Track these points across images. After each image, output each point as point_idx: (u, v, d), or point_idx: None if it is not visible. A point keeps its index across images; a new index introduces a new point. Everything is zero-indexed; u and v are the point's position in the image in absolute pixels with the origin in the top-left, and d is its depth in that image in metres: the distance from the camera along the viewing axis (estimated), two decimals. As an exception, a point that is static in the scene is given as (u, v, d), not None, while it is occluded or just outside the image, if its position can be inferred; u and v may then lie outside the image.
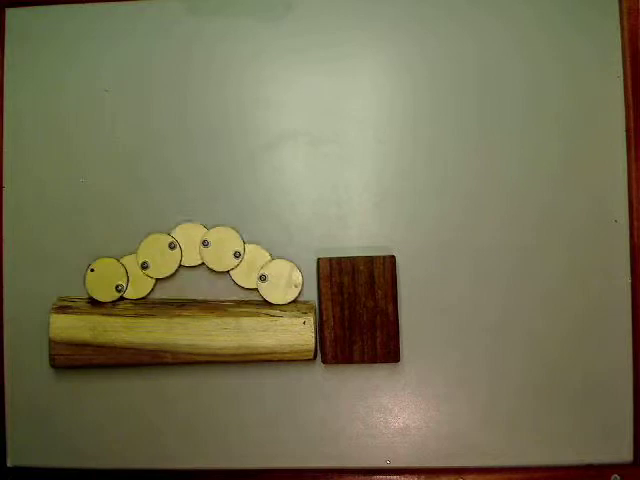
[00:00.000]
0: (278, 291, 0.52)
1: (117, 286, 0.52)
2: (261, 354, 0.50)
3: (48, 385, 0.53)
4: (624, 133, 0.53)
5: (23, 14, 0.55)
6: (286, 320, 0.51)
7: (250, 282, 0.52)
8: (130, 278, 0.52)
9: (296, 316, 0.51)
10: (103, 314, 0.51)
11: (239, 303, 0.52)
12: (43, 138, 0.54)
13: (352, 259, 0.52)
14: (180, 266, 0.52)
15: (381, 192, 0.53)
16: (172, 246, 0.52)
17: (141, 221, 0.53)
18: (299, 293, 0.52)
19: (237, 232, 0.52)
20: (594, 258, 0.52)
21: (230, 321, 0.51)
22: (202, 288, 0.53)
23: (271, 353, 0.50)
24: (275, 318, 0.51)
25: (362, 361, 0.51)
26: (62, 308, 0.51)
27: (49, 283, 0.53)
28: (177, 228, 0.53)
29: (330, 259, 0.52)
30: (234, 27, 0.54)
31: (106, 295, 0.52)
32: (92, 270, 0.52)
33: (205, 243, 0.52)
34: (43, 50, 0.54)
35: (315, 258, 0.53)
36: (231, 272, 0.52)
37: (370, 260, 0.52)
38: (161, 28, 0.54)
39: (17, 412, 0.54)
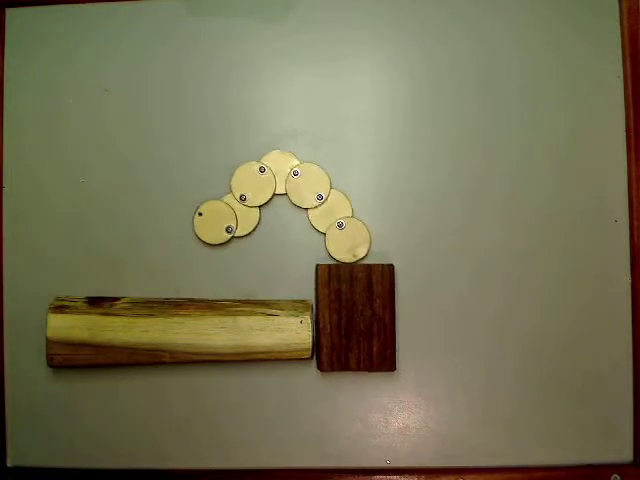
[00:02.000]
0: (344, 247, 0.52)
1: (228, 227, 0.52)
2: (259, 353, 0.50)
3: (46, 385, 0.53)
4: (624, 133, 0.53)
5: (23, 14, 0.55)
6: (283, 319, 0.51)
7: (324, 226, 0.52)
8: (237, 215, 0.52)
9: (293, 315, 0.51)
10: (101, 314, 0.51)
11: (236, 302, 0.52)
12: (43, 138, 0.54)
13: (351, 266, 0.52)
14: (274, 195, 0.53)
15: (381, 193, 0.53)
16: (262, 170, 0.52)
17: (141, 219, 0.53)
18: (362, 257, 0.52)
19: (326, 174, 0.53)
20: (594, 258, 0.52)
21: (227, 320, 0.51)
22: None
23: (268, 352, 0.50)
24: (272, 317, 0.51)
25: (358, 369, 0.51)
26: (60, 308, 0.51)
27: (48, 283, 0.53)
28: (266, 155, 0.53)
29: (329, 265, 0.52)
30: (233, 27, 0.54)
31: (217, 237, 0.52)
32: (200, 214, 0.52)
33: (295, 173, 0.52)
34: (43, 50, 0.54)
35: (313, 260, 0.53)
36: (310, 211, 0.53)
37: (369, 268, 0.51)
38: (161, 28, 0.54)
39: (16, 412, 0.54)
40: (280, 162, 0.53)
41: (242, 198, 0.52)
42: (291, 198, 0.52)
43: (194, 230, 0.52)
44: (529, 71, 0.53)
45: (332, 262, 0.52)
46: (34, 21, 0.55)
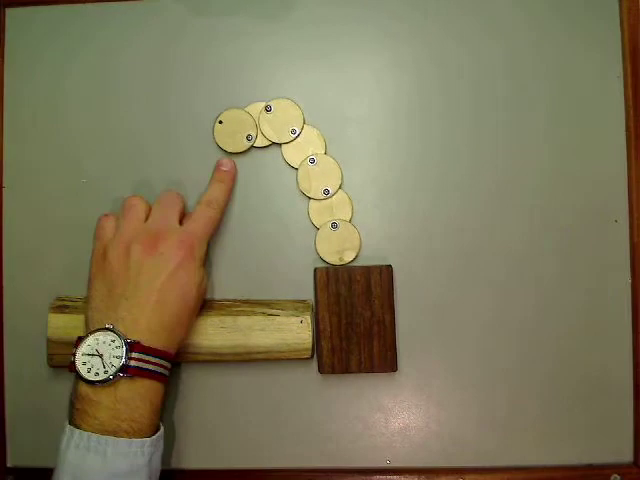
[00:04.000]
0: (333, 248, 0.52)
1: (248, 136, 0.52)
2: (259, 353, 0.50)
3: (46, 385, 0.53)
4: (624, 133, 0.53)
5: (23, 14, 0.55)
6: (283, 319, 0.51)
7: (319, 222, 0.53)
8: (260, 124, 0.52)
9: (293, 315, 0.51)
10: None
11: (236, 302, 0.52)
12: (43, 138, 0.54)
13: (349, 269, 0.52)
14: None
15: (381, 194, 0.53)
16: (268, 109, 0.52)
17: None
18: (349, 261, 0.53)
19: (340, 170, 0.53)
20: (594, 258, 0.52)
21: (228, 320, 0.51)
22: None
23: (269, 352, 0.50)
24: (272, 317, 0.51)
25: (359, 371, 0.51)
26: (60, 308, 0.51)
27: (48, 283, 0.53)
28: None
29: (327, 268, 0.52)
30: (232, 26, 0.54)
31: (237, 145, 0.52)
32: (220, 122, 0.52)
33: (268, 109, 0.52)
34: (43, 50, 0.55)
35: (313, 260, 0.53)
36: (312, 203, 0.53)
37: (367, 270, 0.51)
38: (161, 28, 0.54)
39: (16, 412, 0.54)
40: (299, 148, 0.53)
41: (267, 109, 0.52)
42: (300, 183, 0.53)
43: (213, 137, 0.53)
44: (529, 72, 0.53)
45: (319, 260, 0.53)
46: (34, 21, 0.55)
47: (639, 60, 0.52)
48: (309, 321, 0.51)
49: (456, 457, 0.52)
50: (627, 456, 0.52)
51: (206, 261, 0.52)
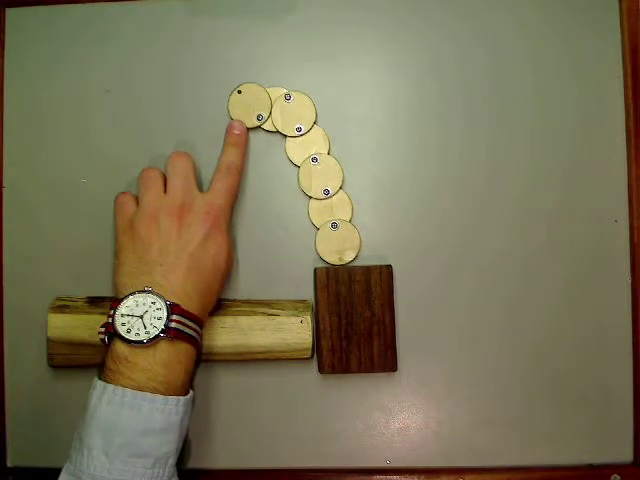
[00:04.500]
0: (333, 248, 0.52)
1: (259, 115, 0.52)
2: (259, 353, 0.50)
3: (46, 385, 0.53)
4: (624, 133, 0.53)
5: (24, 14, 0.55)
6: (283, 319, 0.51)
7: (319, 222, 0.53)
8: (273, 109, 0.52)
9: (293, 315, 0.51)
10: (102, 313, 0.51)
11: (236, 302, 0.52)
12: (43, 138, 0.54)
13: (349, 268, 0.52)
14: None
15: (382, 194, 0.53)
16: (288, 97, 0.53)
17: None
18: (349, 261, 0.53)
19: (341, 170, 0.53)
20: (594, 258, 0.52)
21: (228, 320, 0.51)
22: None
23: (269, 352, 0.50)
24: (272, 317, 0.51)
25: (359, 371, 0.51)
26: (60, 308, 0.51)
27: (48, 283, 0.53)
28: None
29: (327, 268, 0.52)
30: (232, 26, 0.54)
31: (246, 120, 0.52)
32: (239, 92, 0.52)
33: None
34: (44, 50, 0.55)
35: (313, 260, 0.53)
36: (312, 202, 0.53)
37: (367, 270, 0.51)
38: (161, 28, 0.54)
39: (16, 412, 0.54)
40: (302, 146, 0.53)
41: (287, 97, 0.53)
42: (301, 182, 0.53)
43: (228, 106, 0.53)
44: (528, 72, 0.53)
45: (319, 260, 0.53)
46: (34, 21, 0.55)
47: (639, 60, 0.52)
48: (309, 321, 0.51)
49: (456, 457, 0.52)
50: (627, 456, 0.52)
51: (230, 229, 0.52)
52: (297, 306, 0.52)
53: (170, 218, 0.48)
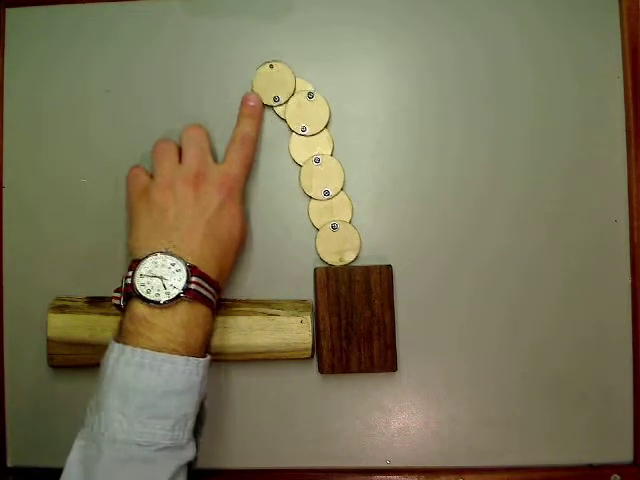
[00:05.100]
0: (333, 249, 0.52)
1: (276, 97, 0.52)
2: (259, 353, 0.50)
3: (46, 385, 0.53)
4: (624, 133, 0.53)
5: (24, 14, 0.55)
6: (283, 319, 0.51)
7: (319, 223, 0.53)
8: (291, 96, 0.53)
9: (293, 315, 0.51)
10: (101, 314, 0.51)
11: (236, 302, 0.52)
12: (43, 137, 0.54)
13: (349, 269, 0.52)
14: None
15: (382, 195, 0.53)
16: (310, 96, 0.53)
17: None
18: (350, 262, 0.53)
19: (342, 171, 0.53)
20: (594, 258, 0.52)
21: (228, 320, 0.51)
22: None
23: (269, 352, 0.50)
24: (272, 317, 0.51)
25: (359, 371, 0.51)
26: (60, 307, 0.51)
27: (48, 283, 0.53)
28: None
29: (327, 268, 0.52)
30: (232, 26, 0.54)
31: (263, 95, 0.53)
32: (271, 66, 0.52)
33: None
34: (44, 50, 0.54)
35: (313, 260, 0.53)
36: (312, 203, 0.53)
37: (367, 270, 0.51)
38: (161, 28, 0.54)
39: (16, 412, 0.54)
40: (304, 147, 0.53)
41: (310, 96, 0.53)
42: (302, 181, 0.53)
43: (253, 83, 0.53)
44: (529, 72, 0.53)
45: (319, 260, 0.53)
46: (34, 21, 0.55)
47: (639, 60, 0.52)
48: (309, 321, 0.51)
49: (456, 457, 0.52)
50: (627, 456, 0.52)
51: (244, 200, 0.52)
52: (297, 306, 0.52)
53: (186, 186, 0.48)
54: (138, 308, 0.45)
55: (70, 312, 0.51)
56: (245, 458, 0.53)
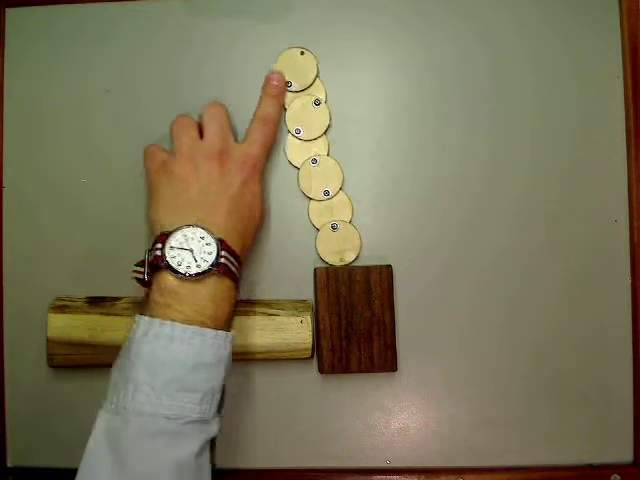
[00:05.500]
0: (333, 249, 0.52)
1: (290, 82, 0.52)
2: (259, 353, 0.50)
3: (46, 385, 0.53)
4: (624, 133, 0.53)
5: (24, 14, 0.55)
6: (283, 319, 0.51)
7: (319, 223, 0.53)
8: (301, 95, 0.53)
9: (293, 315, 0.51)
10: (101, 314, 0.51)
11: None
12: (43, 137, 0.54)
13: (349, 269, 0.52)
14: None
15: (382, 195, 0.53)
16: (317, 103, 0.53)
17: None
18: (350, 262, 0.53)
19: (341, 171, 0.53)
20: (594, 258, 0.52)
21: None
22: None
23: (269, 352, 0.50)
24: (272, 317, 0.51)
25: (359, 371, 0.51)
26: (60, 308, 0.51)
27: (48, 283, 0.53)
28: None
29: (327, 268, 0.52)
30: (231, 26, 0.54)
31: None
32: (302, 53, 0.53)
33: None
34: (44, 50, 0.54)
35: (313, 260, 0.53)
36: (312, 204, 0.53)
37: (367, 270, 0.51)
38: (162, 28, 0.54)
39: (16, 412, 0.54)
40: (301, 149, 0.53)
41: (316, 103, 0.53)
42: (301, 183, 0.53)
43: (273, 67, 0.53)
44: (529, 72, 0.53)
45: (319, 260, 0.53)
46: (34, 21, 0.55)
47: (639, 60, 0.52)
48: (309, 321, 0.51)
49: (456, 457, 0.52)
50: (627, 456, 0.52)
51: (263, 179, 0.52)
52: (297, 306, 0.52)
53: (209, 162, 0.48)
54: (168, 280, 0.45)
55: (70, 312, 0.51)
56: (245, 458, 0.53)
